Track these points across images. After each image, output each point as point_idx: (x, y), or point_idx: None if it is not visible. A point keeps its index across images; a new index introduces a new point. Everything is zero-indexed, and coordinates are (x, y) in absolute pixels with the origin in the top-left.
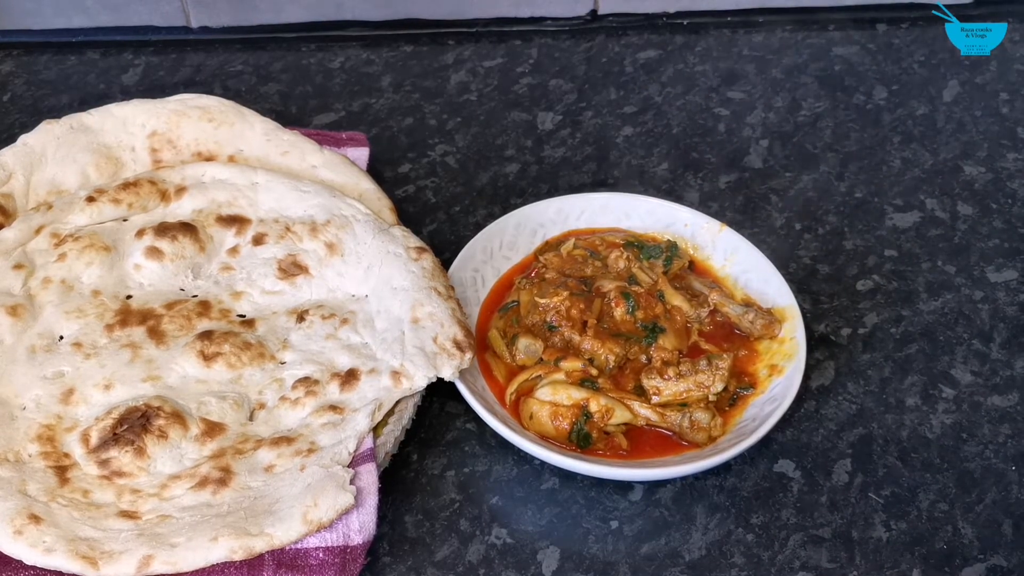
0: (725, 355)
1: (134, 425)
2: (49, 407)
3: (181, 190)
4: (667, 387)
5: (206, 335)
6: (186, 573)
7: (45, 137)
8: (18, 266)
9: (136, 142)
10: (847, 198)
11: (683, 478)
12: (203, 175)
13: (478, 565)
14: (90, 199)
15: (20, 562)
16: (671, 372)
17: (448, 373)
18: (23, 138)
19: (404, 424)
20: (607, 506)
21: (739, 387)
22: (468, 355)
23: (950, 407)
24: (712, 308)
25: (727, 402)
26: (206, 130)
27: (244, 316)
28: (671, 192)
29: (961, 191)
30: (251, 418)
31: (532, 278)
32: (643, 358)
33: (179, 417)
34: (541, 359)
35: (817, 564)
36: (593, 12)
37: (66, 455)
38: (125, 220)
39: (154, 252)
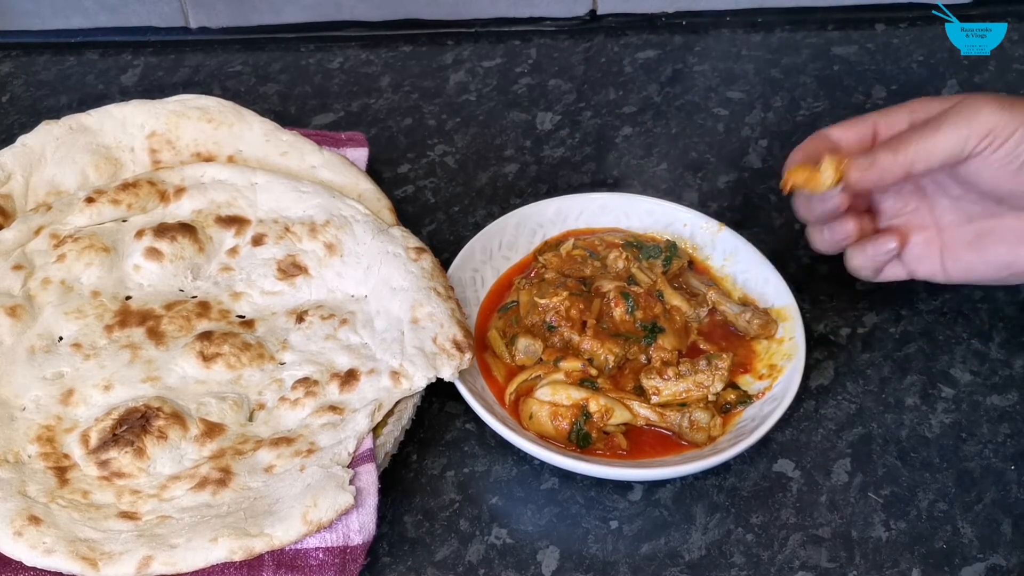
0: (724, 355)
1: (134, 426)
2: (49, 408)
3: (180, 191)
4: (666, 387)
5: (206, 336)
6: (186, 574)
7: (44, 138)
8: (17, 267)
9: (135, 143)
10: None
11: (683, 478)
12: (202, 176)
13: (478, 565)
14: (89, 200)
15: (20, 563)
16: (670, 372)
17: (448, 373)
18: (22, 139)
19: (404, 424)
20: (607, 506)
21: (739, 401)
22: (467, 355)
23: (949, 407)
24: (711, 307)
25: (725, 403)
26: (205, 131)
27: (243, 317)
28: (670, 192)
29: None
30: (251, 419)
31: (531, 278)
32: (642, 358)
33: (179, 418)
34: (540, 359)
35: (817, 564)
36: (592, 12)
37: (66, 456)
38: (124, 221)
39: (153, 253)
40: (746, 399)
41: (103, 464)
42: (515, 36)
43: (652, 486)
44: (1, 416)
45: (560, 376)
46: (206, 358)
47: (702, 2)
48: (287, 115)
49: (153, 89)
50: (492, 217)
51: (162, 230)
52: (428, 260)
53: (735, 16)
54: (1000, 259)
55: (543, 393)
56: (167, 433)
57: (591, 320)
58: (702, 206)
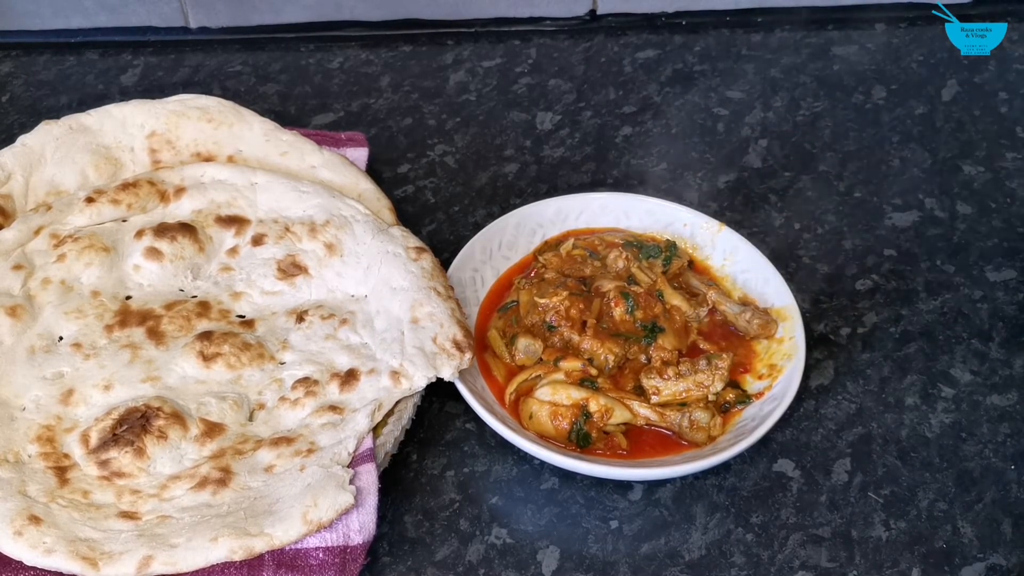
0: (724, 355)
1: (134, 426)
2: (49, 408)
3: (180, 191)
4: (666, 387)
5: (206, 336)
6: (186, 573)
7: (44, 138)
8: (17, 267)
9: (135, 143)
10: (846, 198)
11: (683, 478)
12: (202, 176)
13: (478, 565)
14: (89, 200)
15: (20, 563)
16: (670, 372)
17: (448, 373)
18: (22, 139)
19: (404, 424)
20: (607, 506)
21: (739, 400)
22: (467, 355)
23: (949, 406)
24: (711, 307)
25: (725, 403)
26: (205, 130)
27: (244, 317)
28: (670, 192)
29: (960, 190)
30: (251, 418)
31: (531, 278)
32: (642, 358)
33: (179, 418)
34: (540, 359)
35: (817, 563)
36: (592, 12)
37: (66, 456)
38: (124, 221)
39: (153, 253)
40: (746, 399)
41: (103, 464)
42: (515, 36)
43: (652, 486)
44: (1, 416)
45: (560, 376)
46: (206, 358)
47: (702, 2)
48: (287, 115)
49: (153, 89)
50: (492, 217)
51: (162, 230)
52: (428, 260)
53: (735, 16)
54: None
55: (543, 393)
56: (167, 433)
57: (591, 320)
58: (702, 206)
